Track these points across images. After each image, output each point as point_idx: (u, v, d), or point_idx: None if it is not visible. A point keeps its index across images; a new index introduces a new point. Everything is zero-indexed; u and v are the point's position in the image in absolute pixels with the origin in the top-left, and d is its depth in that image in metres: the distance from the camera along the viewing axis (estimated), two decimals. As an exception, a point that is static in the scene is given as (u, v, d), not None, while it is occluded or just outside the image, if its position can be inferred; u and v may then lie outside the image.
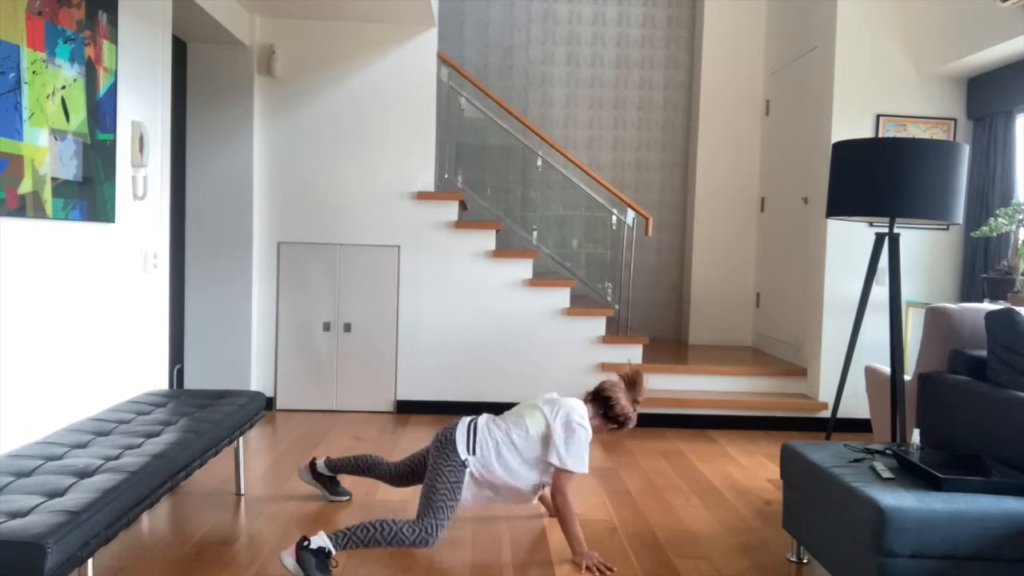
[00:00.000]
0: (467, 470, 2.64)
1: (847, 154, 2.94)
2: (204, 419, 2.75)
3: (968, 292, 4.53)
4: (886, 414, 3.41)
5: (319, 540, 2.38)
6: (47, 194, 2.57)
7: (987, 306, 3.04)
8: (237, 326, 4.68)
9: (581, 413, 2.75)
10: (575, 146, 6.16)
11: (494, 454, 2.67)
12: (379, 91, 4.76)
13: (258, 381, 4.78)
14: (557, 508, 2.70)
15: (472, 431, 2.71)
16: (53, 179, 2.60)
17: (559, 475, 2.70)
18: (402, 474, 3.02)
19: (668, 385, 4.87)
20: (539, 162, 5.47)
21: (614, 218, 5.22)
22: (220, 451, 2.77)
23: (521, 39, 6.13)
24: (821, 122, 4.78)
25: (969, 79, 4.59)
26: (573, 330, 4.86)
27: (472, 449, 2.67)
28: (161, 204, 3.54)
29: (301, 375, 4.81)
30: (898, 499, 2.04)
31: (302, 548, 2.35)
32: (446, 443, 2.68)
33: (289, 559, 2.35)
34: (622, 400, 2.84)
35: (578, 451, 2.69)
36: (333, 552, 2.38)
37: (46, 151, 2.56)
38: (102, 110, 2.93)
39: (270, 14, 4.63)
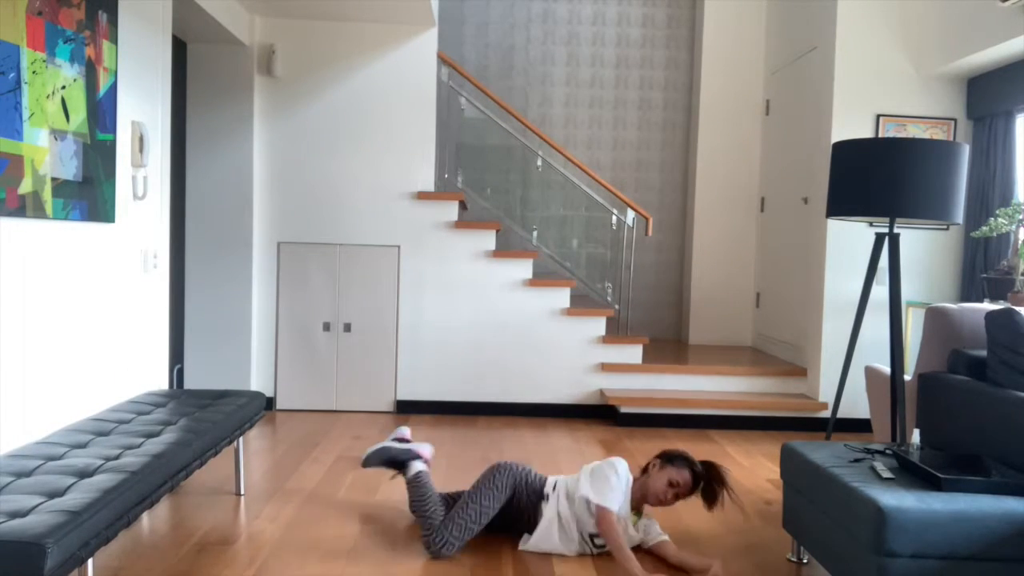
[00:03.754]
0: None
1: (847, 154, 2.94)
2: (204, 419, 2.75)
3: (968, 292, 4.53)
4: (886, 414, 3.41)
5: (415, 465, 2.87)
6: (47, 194, 2.57)
7: (987, 306, 3.04)
8: (237, 326, 4.68)
9: (612, 462, 2.74)
10: (575, 146, 6.16)
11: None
12: (379, 91, 4.76)
13: (258, 381, 4.78)
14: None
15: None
16: (53, 179, 2.60)
17: (596, 513, 2.64)
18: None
19: (668, 385, 4.87)
20: (539, 162, 5.47)
21: (614, 218, 5.22)
22: (220, 451, 2.77)
23: (521, 39, 6.13)
24: (821, 122, 4.78)
25: (969, 79, 4.59)
26: (573, 330, 4.86)
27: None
28: (161, 204, 3.54)
29: (301, 375, 4.81)
30: (898, 499, 2.04)
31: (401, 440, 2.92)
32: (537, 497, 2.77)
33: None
34: (655, 473, 2.78)
35: (599, 485, 2.65)
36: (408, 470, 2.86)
37: (46, 151, 2.56)
38: (102, 110, 2.93)
39: (270, 14, 4.64)
